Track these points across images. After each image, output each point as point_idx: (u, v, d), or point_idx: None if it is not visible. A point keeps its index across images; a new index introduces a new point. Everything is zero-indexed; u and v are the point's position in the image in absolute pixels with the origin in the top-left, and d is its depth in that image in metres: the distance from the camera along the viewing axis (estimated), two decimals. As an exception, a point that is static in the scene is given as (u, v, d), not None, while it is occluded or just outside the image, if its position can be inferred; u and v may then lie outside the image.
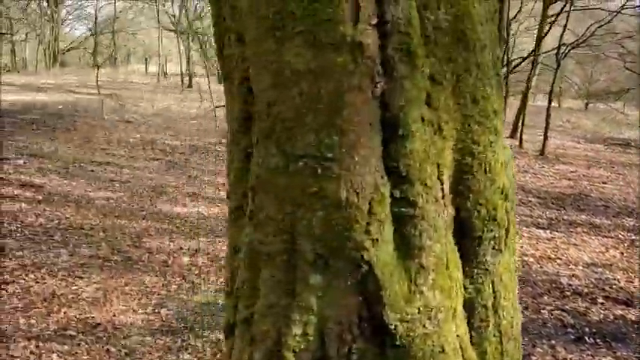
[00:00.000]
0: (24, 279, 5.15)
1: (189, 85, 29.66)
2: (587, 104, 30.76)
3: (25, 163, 10.55)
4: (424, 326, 1.24)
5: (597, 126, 29.88)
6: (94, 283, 5.22)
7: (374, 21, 1.19)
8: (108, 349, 3.87)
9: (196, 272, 5.62)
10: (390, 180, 1.24)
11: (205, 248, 6.52)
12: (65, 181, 9.51)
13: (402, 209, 1.24)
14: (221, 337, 4.11)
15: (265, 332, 1.34)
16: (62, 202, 8.28)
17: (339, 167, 1.21)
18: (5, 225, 6.91)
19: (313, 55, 1.20)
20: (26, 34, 36.34)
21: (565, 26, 15.87)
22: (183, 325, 4.40)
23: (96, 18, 42.27)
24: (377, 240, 1.23)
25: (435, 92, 1.24)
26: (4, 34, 31.94)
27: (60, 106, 19.14)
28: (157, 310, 4.64)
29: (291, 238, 1.31)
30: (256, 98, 1.33)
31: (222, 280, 5.46)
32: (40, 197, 8.37)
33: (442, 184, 1.26)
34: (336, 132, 1.20)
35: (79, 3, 44.04)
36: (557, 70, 16.03)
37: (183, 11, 39.01)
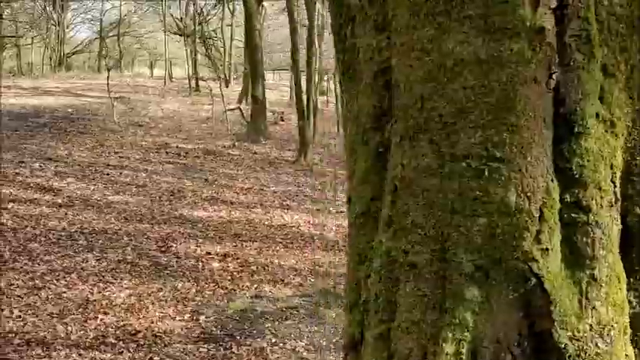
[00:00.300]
0: (55, 284, 5.04)
1: (197, 89, 29.52)
2: None
3: (41, 167, 10.45)
4: (596, 345, 1.12)
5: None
6: (126, 288, 5.11)
7: (553, 4, 1.08)
8: (151, 358, 3.76)
9: (229, 278, 5.50)
10: (560, 182, 1.13)
11: (234, 253, 6.40)
12: (83, 185, 9.41)
13: (573, 215, 1.13)
14: (264, 344, 4.00)
15: (408, 350, 1.22)
16: (82, 206, 8.18)
17: (509, 168, 1.10)
18: (29, 229, 6.81)
19: (484, 42, 1.08)
20: (32, 38, 36.29)
21: None
22: (223, 332, 4.29)
23: (101, 21, 42.27)
24: (547, 249, 1.12)
25: (608, 85, 1.13)
26: (10, 36, 31.91)
27: (70, 110, 19.07)
28: (194, 317, 4.52)
29: (442, 247, 1.19)
30: (402, 92, 1.21)
31: (256, 286, 5.36)
32: (60, 201, 8.27)
33: (615, 187, 1.15)
34: (507, 129, 1.09)
35: (84, 6, 44.04)
36: None
37: (189, 14, 39.01)
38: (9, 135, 13.54)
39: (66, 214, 7.67)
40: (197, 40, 33.72)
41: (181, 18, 38.19)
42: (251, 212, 8.65)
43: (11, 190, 8.48)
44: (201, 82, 34.68)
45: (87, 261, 5.81)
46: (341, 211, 9.12)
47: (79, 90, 26.04)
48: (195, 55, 37.53)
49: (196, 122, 18.32)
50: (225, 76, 34.67)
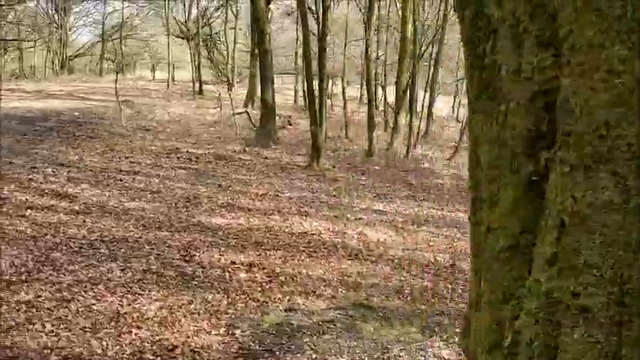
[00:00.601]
0: (83, 296, 4.92)
1: (200, 92, 29.43)
2: None
3: (54, 172, 10.33)
4: None
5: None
6: (156, 300, 4.99)
7: None
8: (193, 376, 3.64)
9: (258, 289, 5.38)
10: None
11: (259, 262, 6.28)
12: (98, 191, 9.28)
13: None
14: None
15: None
16: (100, 212, 8.05)
17: None
18: (49, 237, 6.68)
19: None
20: (35, 41, 36.14)
21: None
22: (261, 347, 4.17)
23: (103, 24, 42.20)
24: None
25: None
26: (15, 39, 31.78)
27: (76, 113, 18.96)
28: (230, 332, 4.40)
29: (620, 290, 1.08)
30: (577, 117, 1.10)
31: (288, 298, 5.23)
32: (77, 208, 8.15)
33: None
34: None
35: (86, 9, 43.92)
36: None
37: (192, 17, 38.92)
38: (19, 139, 13.42)
39: (84, 221, 7.54)
40: (200, 43, 33.59)
41: (185, 21, 38.10)
42: (269, 219, 8.53)
43: (27, 197, 8.35)
44: (205, 86, 34.64)
45: (112, 271, 5.68)
46: (359, 218, 9.02)
47: (83, 93, 25.91)
48: (198, 58, 37.41)
49: (204, 126, 18.20)
50: (229, 79, 34.59)
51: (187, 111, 21.68)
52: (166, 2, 36.50)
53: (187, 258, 6.38)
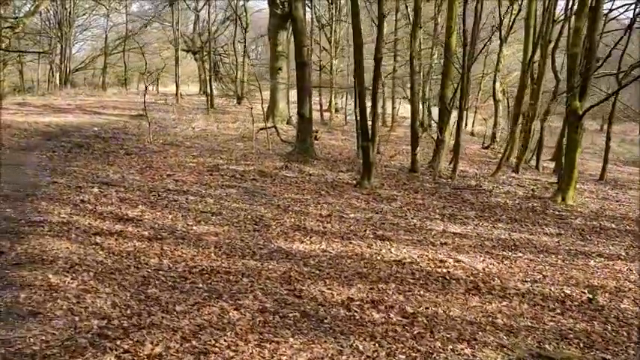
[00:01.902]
0: (217, 347, 4.19)
1: (211, 106, 28.66)
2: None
3: (101, 192, 9.57)
4: None
5: (620, 147, 29.49)
6: (300, 350, 4.27)
7: None
8: None
9: (406, 335, 4.67)
10: None
11: (379, 299, 5.58)
12: (158, 214, 8.54)
13: None
14: None
15: None
16: (172, 238, 7.32)
17: None
18: (133, 269, 5.93)
19: None
20: (39, 54, 35.27)
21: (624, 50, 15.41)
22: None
23: (106, 38, 41.53)
24: None
25: None
26: (29, 52, 31.01)
27: (95, 128, 18.17)
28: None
29: None
30: None
31: (451, 347, 4.53)
32: (147, 233, 7.40)
33: None
34: None
35: (88, 22, 43.20)
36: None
37: (197, 30, 38.34)
38: (50, 156, 12.66)
39: (162, 249, 6.80)
40: (212, 56, 32.92)
41: (192, 37, 37.51)
42: (352, 244, 7.84)
43: (89, 221, 7.59)
44: (216, 100, 33.92)
45: (226, 312, 4.96)
46: (444, 243, 8.35)
47: (93, 107, 25.09)
48: (210, 72, 36.79)
49: (231, 141, 17.49)
50: (237, 93, 33.97)
51: (209, 126, 20.94)
52: (173, 16, 35.94)
53: (296, 293, 5.66)
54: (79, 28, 42.63)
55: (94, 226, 7.34)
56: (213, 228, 8.12)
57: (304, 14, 14.55)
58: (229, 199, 10.13)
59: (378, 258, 7.25)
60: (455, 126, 14.43)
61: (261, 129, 18.17)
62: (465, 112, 14.21)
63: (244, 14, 33.16)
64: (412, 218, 9.93)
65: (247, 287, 5.71)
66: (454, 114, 15.06)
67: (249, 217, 9.02)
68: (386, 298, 5.56)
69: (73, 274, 5.45)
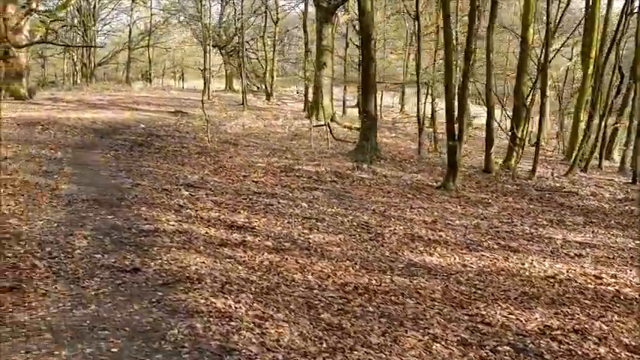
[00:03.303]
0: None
1: (243, 102, 27.92)
2: None
3: (191, 195, 8.92)
4: None
5: None
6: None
7: None
8: None
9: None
10: None
11: (584, 328, 4.90)
12: (264, 220, 7.88)
13: None
14: None
15: None
16: (298, 250, 6.65)
17: None
18: (284, 287, 5.27)
19: None
20: (65, 48, 34.66)
21: None
22: None
23: (130, 32, 40.87)
24: None
25: None
26: (67, 45, 30.43)
27: (142, 125, 17.49)
28: None
29: None
30: None
31: None
32: (270, 244, 6.74)
33: None
34: None
35: (111, 17, 42.54)
36: None
37: (223, 26, 37.68)
38: (115, 155, 12.01)
39: (296, 262, 6.15)
40: (242, 52, 32.17)
41: (219, 32, 36.77)
42: (485, 257, 7.18)
43: (204, 230, 6.93)
44: (236, 94, 33.27)
45: (429, 346, 4.29)
46: (579, 255, 7.66)
47: (127, 103, 24.37)
48: (234, 67, 36.03)
49: (284, 140, 16.82)
50: (267, 89, 33.28)
51: (254, 123, 20.26)
52: (202, 10, 35.23)
53: (479, 318, 5.00)
54: (101, 22, 41.95)
55: (212, 236, 6.69)
56: (328, 237, 7.45)
57: (372, 6, 13.81)
58: (321, 203, 9.47)
59: (527, 274, 6.58)
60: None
61: (315, 126, 17.51)
62: (545, 108, 13.49)
63: (274, 8, 32.39)
64: (521, 225, 9.25)
65: (420, 311, 5.05)
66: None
67: (354, 223, 8.36)
68: (587, 327, 4.89)
69: (232, 296, 4.79)
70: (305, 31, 29.28)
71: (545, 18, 14.99)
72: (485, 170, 13.81)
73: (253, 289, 5.08)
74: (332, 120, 21.54)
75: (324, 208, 9.18)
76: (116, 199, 8.11)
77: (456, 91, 12.71)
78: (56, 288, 4.69)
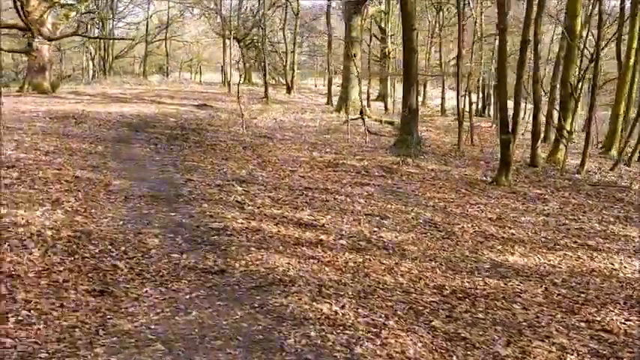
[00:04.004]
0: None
1: (265, 96, 27.51)
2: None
3: (245, 191, 8.58)
4: None
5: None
6: None
7: None
8: None
9: None
10: None
11: None
12: (328, 217, 7.52)
13: None
14: None
15: None
16: (376, 249, 6.30)
17: None
18: (382, 291, 4.91)
19: None
20: (84, 43, 34.40)
21: None
22: None
23: (147, 25, 40.53)
24: None
25: None
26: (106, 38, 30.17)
27: (172, 119, 17.17)
28: None
29: None
30: None
31: None
32: (344, 242, 6.39)
33: None
34: None
35: (127, 10, 42.21)
36: None
37: (241, 18, 37.24)
38: (155, 149, 11.69)
39: (380, 262, 5.79)
40: (260, 44, 31.74)
41: (237, 25, 36.34)
42: (568, 256, 6.80)
43: (275, 229, 6.59)
44: (254, 87, 32.86)
45: (561, 356, 3.93)
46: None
47: (150, 97, 24.02)
48: (253, 60, 35.66)
49: (318, 133, 16.44)
50: (287, 82, 32.81)
51: (283, 116, 19.89)
52: (221, 2, 34.75)
53: (600, 327, 4.62)
54: (118, 15, 41.62)
55: (285, 234, 6.34)
56: (400, 235, 7.09)
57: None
58: (377, 199, 9.10)
59: (621, 275, 6.19)
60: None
61: (352, 119, 17.14)
62: (594, 100, 13.03)
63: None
64: (588, 221, 8.84)
65: (532, 317, 4.68)
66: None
67: (420, 221, 7.99)
68: None
69: (333, 300, 4.45)
70: (328, 23, 28.83)
71: (590, 8, 14.52)
72: (531, 164, 13.38)
73: (350, 293, 4.73)
74: (361, 113, 21.14)
75: (382, 204, 8.81)
76: (173, 195, 7.79)
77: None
78: (146, 291, 4.37)
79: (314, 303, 4.31)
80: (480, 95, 28.52)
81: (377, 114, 22.70)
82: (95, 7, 36.18)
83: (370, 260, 5.78)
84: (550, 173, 12.84)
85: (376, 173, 11.27)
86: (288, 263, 5.28)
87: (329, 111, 22.48)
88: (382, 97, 29.87)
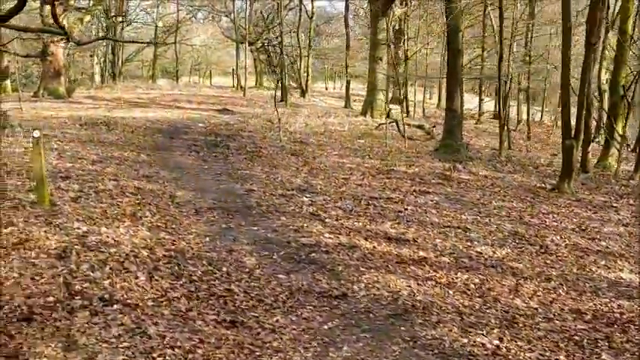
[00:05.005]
0: None
1: (282, 99, 27.03)
2: None
3: (312, 201, 8.09)
4: None
5: None
6: None
7: None
8: None
9: None
10: None
11: None
12: (411, 229, 7.04)
13: None
14: None
15: None
16: (483, 267, 5.82)
17: None
18: (522, 318, 4.43)
19: None
20: (95, 48, 33.88)
21: None
22: None
23: (156, 28, 40.06)
24: None
25: None
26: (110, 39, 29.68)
27: (200, 124, 16.69)
28: None
29: None
30: None
31: None
32: (447, 259, 5.91)
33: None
34: None
35: (136, 14, 41.74)
36: None
37: (252, 21, 36.79)
38: (198, 157, 11.21)
39: (499, 282, 5.31)
40: (276, 48, 31.30)
41: (248, 28, 35.91)
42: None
43: (369, 244, 6.11)
44: (265, 91, 32.34)
45: None
46: None
47: (167, 102, 23.47)
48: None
49: (353, 138, 15.95)
50: (302, 85, 32.32)
51: (309, 121, 19.40)
52: (234, 5, 34.38)
53: None
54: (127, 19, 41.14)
55: (382, 251, 5.87)
56: (496, 250, 6.62)
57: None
58: (447, 209, 8.63)
59: None
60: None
61: (390, 122, 16.68)
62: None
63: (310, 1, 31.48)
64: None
65: None
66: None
67: (504, 233, 7.52)
68: None
69: (483, 331, 3.96)
70: (346, 25, 28.42)
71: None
72: (582, 170, 12.92)
73: (494, 322, 4.25)
74: (388, 117, 20.68)
75: (454, 214, 8.33)
76: (243, 207, 7.32)
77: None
78: (277, 320, 3.88)
79: (469, 335, 3.82)
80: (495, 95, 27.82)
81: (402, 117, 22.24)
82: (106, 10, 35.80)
83: (488, 281, 5.30)
84: (604, 179, 12.39)
85: (432, 181, 10.79)
86: (409, 286, 4.80)
87: (353, 115, 22.01)
88: (397, 100, 29.39)
